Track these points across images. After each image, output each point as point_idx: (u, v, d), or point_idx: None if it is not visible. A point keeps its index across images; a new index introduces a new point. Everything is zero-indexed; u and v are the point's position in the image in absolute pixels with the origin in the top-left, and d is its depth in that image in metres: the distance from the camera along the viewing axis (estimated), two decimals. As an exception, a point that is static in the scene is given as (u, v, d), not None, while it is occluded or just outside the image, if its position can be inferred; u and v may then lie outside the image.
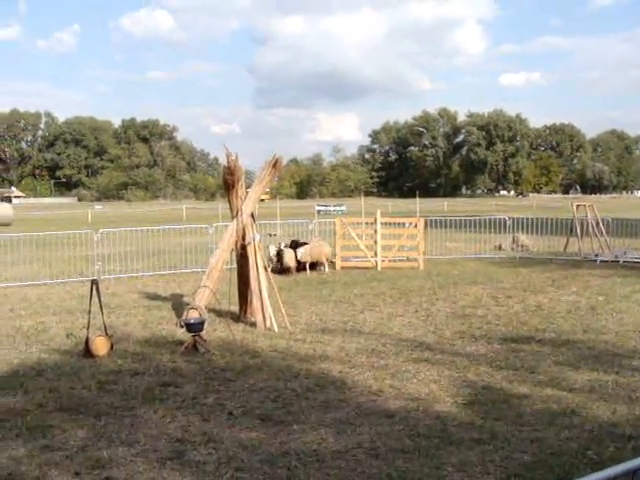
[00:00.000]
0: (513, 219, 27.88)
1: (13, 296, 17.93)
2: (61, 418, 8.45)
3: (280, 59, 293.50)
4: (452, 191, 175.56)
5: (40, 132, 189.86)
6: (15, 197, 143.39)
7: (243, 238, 14.01)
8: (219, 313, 14.34)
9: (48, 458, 7.22)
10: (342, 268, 22.86)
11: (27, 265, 22.38)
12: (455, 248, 27.52)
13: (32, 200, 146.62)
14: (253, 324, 13.66)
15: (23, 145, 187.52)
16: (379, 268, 22.75)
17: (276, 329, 13.25)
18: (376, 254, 23.45)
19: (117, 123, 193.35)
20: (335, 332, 13.03)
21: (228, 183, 14.09)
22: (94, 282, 11.90)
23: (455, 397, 9.08)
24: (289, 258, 21.41)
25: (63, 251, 24.08)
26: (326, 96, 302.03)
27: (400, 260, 23.83)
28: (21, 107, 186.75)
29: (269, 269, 13.70)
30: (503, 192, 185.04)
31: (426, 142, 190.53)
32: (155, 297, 17.34)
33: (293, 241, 23.04)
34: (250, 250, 13.90)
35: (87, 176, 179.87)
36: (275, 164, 14.44)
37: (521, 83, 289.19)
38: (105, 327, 11.71)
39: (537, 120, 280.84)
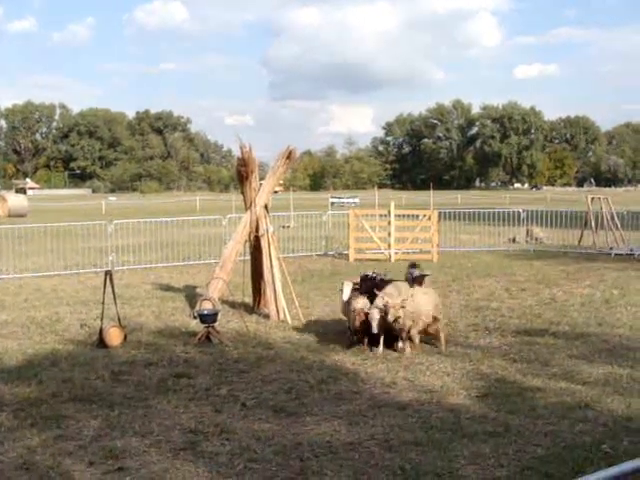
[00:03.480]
0: (527, 212, 27.77)
1: (27, 287, 18.01)
2: (75, 408, 8.48)
3: (294, 51, 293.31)
4: (466, 184, 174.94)
5: (54, 124, 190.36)
6: (30, 189, 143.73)
7: (257, 230, 14.01)
8: (232, 305, 14.36)
9: (62, 448, 7.24)
10: (356, 260, 22.84)
11: (41, 256, 22.48)
12: (469, 240, 27.45)
13: (46, 191, 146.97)
14: (266, 316, 13.66)
15: (38, 137, 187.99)
16: (392, 260, 22.71)
17: (289, 321, 13.25)
18: (389, 246, 23.43)
19: (131, 115, 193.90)
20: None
21: (242, 174, 14.08)
22: (108, 273, 11.93)
23: (468, 390, 9.05)
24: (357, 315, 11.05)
25: (77, 242, 24.15)
26: (340, 88, 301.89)
27: (413, 252, 23.76)
28: (36, 99, 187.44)
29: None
30: (517, 185, 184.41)
31: (440, 134, 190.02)
32: (168, 288, 17.38)
33: (366, 278, 12.48)
34: (264, 242, 13.90)
35: (101, 168, 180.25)
36: (289, 156, 14.41)
37: (536, 75, 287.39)
38: (119, 318, 11.74)
39: (552, 112, 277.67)
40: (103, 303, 11.71)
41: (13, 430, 7.78)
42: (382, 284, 11.55)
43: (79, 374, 9.87)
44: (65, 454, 7.09)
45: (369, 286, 11.75)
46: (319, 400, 8.68)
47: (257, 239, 14.05)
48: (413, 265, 13.75)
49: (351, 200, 71.73)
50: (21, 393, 9.06)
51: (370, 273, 12.56)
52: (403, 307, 10.46)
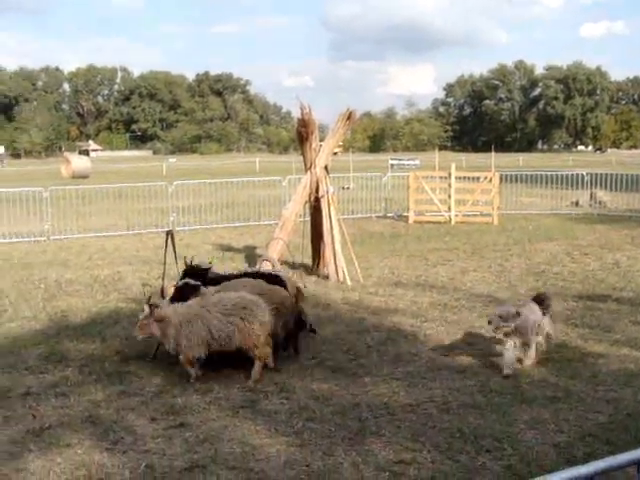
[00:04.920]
0: (591, 175, 27.16)
1: (91, 246, 18.35)
2: (137, 365, 8.65)
3: (354, 11, 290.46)
4: (528, 146, 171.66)
5: (116, 87, 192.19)
6: (92, 150, 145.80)
7: (317, 191, 13.98)
8: (292, 265, 14.42)
9: (125, 403, 7.41)
10: (415, 222, 22.71)
11: (104, 216, 22.86)
12: (530, 203, 27.01)
13: (108, 153, 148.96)
14: (326, 277, 13.69)
15: (100, 100, 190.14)
16: (452, 223, 22.52)
17: (349, 282, 13.26)
18: (450, 208, 23.22)
19: (191, 77, 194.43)
20: (407, 286, 12.97)
21: (302, 135, 14.03)
22: (169, 233, 12.01)
23: (529, 354, 8.95)
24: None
25: (138, 203, 24.46)
26: (400, 48, 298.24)
27: (474, 215, 23.52)
28: (98, 63, 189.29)
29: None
30: (581, 147, 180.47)
31: (502, 96, 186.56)
32: (229, 248, 17.53)
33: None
34: (323, 203, 13.88)
35: (162, 129, 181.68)
36: (349, 117, 14.31)
37: (602, 33, 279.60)
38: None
39: (618, 72, 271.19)
40: (165, 263, 11.79)
41: (79, 385, 7.99)
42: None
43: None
44: (128, 409, 7.25)
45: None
46: (377, 361, 8.69)
47: (317, 200, 14.03)
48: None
49: (411, 162, 71.13)
50: (86, 350, 9.28)
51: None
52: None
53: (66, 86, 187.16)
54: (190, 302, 8.55)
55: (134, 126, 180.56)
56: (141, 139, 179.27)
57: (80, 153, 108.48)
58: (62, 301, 12.11)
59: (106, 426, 6.85)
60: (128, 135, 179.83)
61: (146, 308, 8.15)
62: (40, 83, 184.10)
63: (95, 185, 27.55)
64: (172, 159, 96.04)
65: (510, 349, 8.16)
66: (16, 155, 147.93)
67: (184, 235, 19.76)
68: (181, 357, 8.08)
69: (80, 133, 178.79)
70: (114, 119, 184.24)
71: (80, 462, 6.10)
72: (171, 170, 62.48)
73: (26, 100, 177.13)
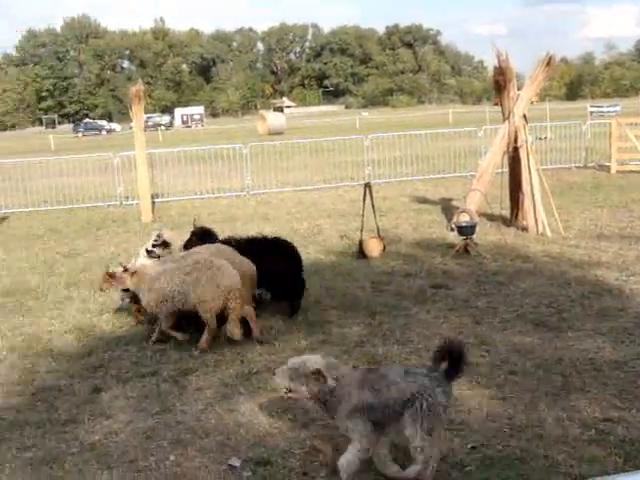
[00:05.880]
0: None
1: (289, 200, 18.88)
2: (337, 315, 8.85)
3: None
4: None
5: (307, 44, 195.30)
6: (286, 107, 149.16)
7: (515, 140, 13.61)
8: (490, 217, 14.16)
9: (328, 351, 7.55)
10: (618, 172, 21.61)
11: (301, 171, 23.42)
12: None
13: (302, 109, 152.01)
14: (525, 228, 13.35)
15: (292, 57, 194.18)
16: (661, 172, 21.25)
17: (549, 234, 12.86)
18: (656, 157, 21.90)
19: (381, 30, 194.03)
20: (611, 238, 12.40)
21: (499, 84, 13.66)
22: (367, 185, 12.18)
23: None
24: None
25: (334, 157, 24.83)
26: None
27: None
28: (289, 21, 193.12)
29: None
30: None
31: None
32: (424, 201, 17.48)
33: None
34: (522, 153, 13.48)
35: (353, 84, 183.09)
36: (549, 62, 13.73)
37: None
38: (378, 229, 11.99)
39: None
40: (363, 215, 12.00)
41: (282, 333, 8.31)
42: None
43: (341, 283, 10.26)
44: (330, 357, 7.41)
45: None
46: (581, 315, 8.41)
47: (515, 150, 13.65)
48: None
49: (611, 109, 67.49)
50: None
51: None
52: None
53: (260, 45, 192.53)
54: (165, 259, 8.87)
55: (326, 81, 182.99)
56: (333, 94, 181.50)
57: (274, 110, 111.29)
58: (265, 253, 12.54)
59: (313, 373, 7.06)
60: (321, 91, 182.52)
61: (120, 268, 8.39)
62: (235, 44, 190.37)
63: (290, 140, 28.20)
64: (364, 113, 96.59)
65: None
66: (215, 114, 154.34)
67: (379, 188, 19.84)
68: (160, 322, 8.23)
69: (274, 91, 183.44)
70: (306, 75, 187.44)
71: (286, 406, 6.34)
72: (364, 124, 62.85)
73: (222, 61, 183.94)
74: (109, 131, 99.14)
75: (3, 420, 6.53)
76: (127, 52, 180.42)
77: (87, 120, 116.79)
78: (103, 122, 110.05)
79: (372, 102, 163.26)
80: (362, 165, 22.09)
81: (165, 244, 9.49)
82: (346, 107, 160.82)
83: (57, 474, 5.52)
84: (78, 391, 7.07)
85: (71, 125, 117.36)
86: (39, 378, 7.49)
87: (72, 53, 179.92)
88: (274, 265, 8.72)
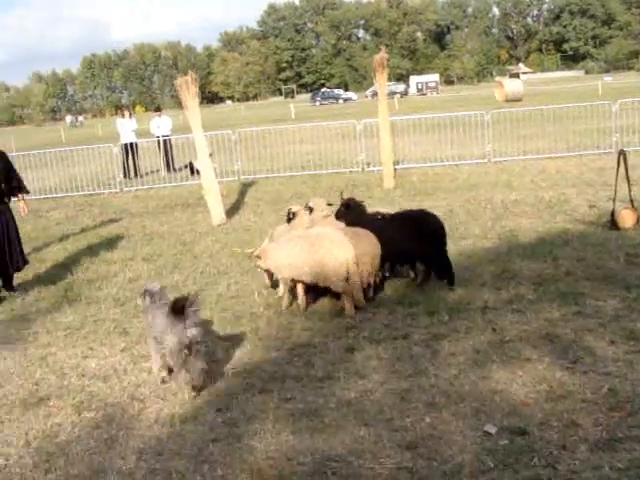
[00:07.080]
0: None
1: (531, 168, 18.37)
2: (590, 287, 8.51)
3: None
4: None
5: (545, 6, 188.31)
6: (523, 73, 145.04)
7: None
8: None
9: (582, 324, 7.35)
10: None
11: (541, 138, 22.68)
12: None
13: (539, 75, 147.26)
14: None
15: (529, 21, 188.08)
16: None
17: None
18: None
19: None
20: None
21: None
22: (622, 153, 11.59)
23: None
24: None
25: (577, 124, 23.82)
26: None
27: None
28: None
29: None
30: None
31: None
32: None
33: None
34: None
35: (594, 47, 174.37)
36: None
37: None
38: (631, 200, 11.37)
39: None
40: (615, 184, 11.44)
41: (533, 303, 8.13)
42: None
43: (592, 254, 9.85)
44: (585, 330, 7.19)
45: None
46: None
47: None
48: None
49: None
50: (537, 269, 9.37)
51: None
52: None
53: (495, 10, 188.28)
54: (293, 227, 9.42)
55: (565, 45, 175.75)
56: (572, 59, 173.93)
57: (511, 76, 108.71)
58: (510, 221, 12.34)
59: (564, 345, 6.88)
60: (559, 55, 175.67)
61: None
62: (470, 9, 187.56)
63: (529, 107, 27.34)
64: (607, 78, 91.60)
65: None
66: (449, 82, 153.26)
67: (628, 156, 18.74)
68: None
69: (510, 56, 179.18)
70: (544, 40, 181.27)
71: (542, 377, 6.22)
72: (607, 89, 59.67)
73: (457, 27, 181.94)
74: (346, 100, 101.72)
75: (264, 372, 6.92)
76: (362, 22, 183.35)
77: (324, 89, 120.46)
78: (340, 91, 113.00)
79: (615, 66, 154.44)
80: (608, 132, 20.97)
81: (310, 209, 9.72)
82: (586, 72, 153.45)
83: (317, 426, 5.77)
84: (332, 349, 7.33)
85: (309, 95, 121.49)
86: (294, 335, 7.86)
87: (309, 25, 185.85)
88: (418, 240, 8.70)
